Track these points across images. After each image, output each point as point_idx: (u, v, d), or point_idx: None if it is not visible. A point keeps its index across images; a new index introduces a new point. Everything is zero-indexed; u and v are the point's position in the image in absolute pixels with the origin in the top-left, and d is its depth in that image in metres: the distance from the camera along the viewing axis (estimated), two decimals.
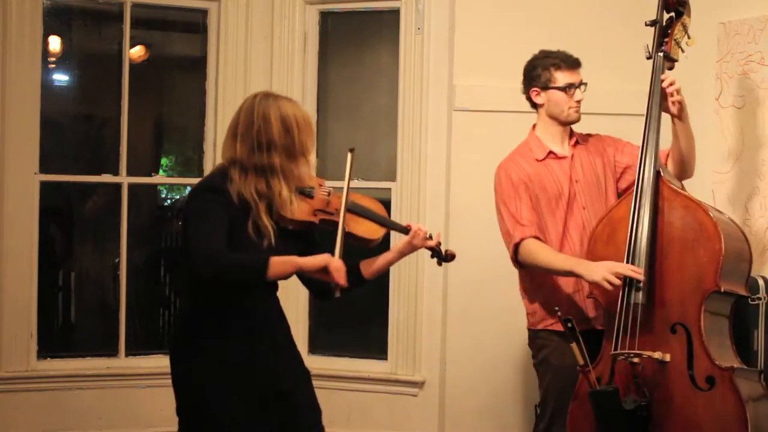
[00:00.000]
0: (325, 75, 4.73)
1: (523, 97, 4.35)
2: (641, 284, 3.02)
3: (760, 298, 3.38)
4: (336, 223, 2.74)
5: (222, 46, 4.65)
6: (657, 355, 2.98)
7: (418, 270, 4.43)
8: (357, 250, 2.91)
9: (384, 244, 3.04)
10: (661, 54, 3.25)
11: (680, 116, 3.20)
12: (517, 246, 3.29)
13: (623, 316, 3.04)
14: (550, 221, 3.34)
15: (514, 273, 4.33)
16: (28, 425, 4.42)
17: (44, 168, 4.51)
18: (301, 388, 2.85)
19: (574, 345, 3.05)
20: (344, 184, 2.81)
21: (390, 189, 4.53)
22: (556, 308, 3.17)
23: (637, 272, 3.02)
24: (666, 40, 3.28)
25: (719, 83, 3.87)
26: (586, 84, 3.36)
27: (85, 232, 5.20)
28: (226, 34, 4.65)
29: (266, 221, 2.67)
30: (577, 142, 3.42)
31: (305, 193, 2.78)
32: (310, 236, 2.86)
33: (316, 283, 2.90)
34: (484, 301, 4.41)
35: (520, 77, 4.38)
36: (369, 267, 2.93)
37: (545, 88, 3.36)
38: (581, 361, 3.06)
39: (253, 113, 2.72)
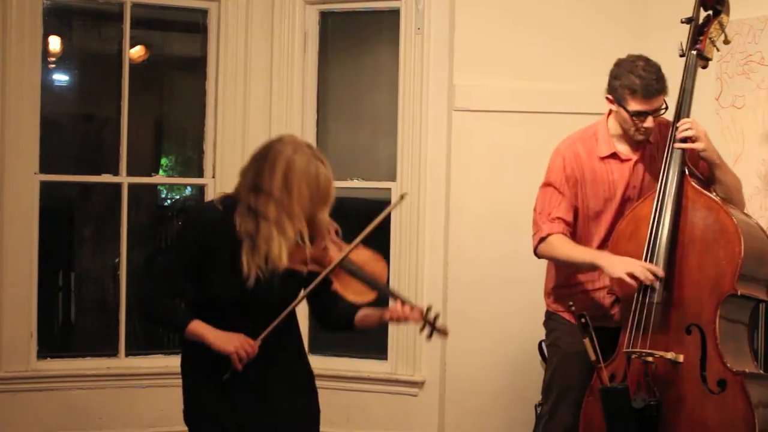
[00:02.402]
0: (325, 75, 4.73)
1: (523, 96, 4.39)
2: (657, 285, 2.99)
3: None
4: (323, 280, 2.67)
5: (222, 46, 4.65)
6: (670, 355, 2.96)
7: (418, 270, 4.43)
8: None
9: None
10: (694, 52, 3.15)
11: (707, 164, 3.09)
12: (542, 239, 3.25)
13: (639, 313, 3.02)
14: (593, 223, 3.28)
15: (513, 273, 4.34)
16: (28, 425, 4.42)
17: (44, 168, 4.51)
18: (299, 406, 2.81)
19: (587, 340, 3.04)
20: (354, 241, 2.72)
21: (390, 189, 4.53)
22: (570, 303, 3.15)
23: (651, 279, 2.97)
24: (701, 38, 3.17)
25: (719, 83, 3.87)
26: (666, 108, 3.16)
27: (85, 232, 5.21)
28: (226, 34, 4.64)
29: (247, 262, 2.61)
30: (650, 144, 3.25)
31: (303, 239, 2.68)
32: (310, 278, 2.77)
33: (322, 319, 2.93)
34: (484, 301, 4.41)
35: (520, 77, 4.41)
36: (362, 320, 2.85)
37: (617, 102, 3.17)
38: (593, 357, 3.05)
39: (266, 153, 2.65)
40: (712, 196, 3.04)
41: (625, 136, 3.26)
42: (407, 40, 4.46)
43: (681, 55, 3.17)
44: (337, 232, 2.74)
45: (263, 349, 2.68)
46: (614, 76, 3.20)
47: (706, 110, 3.86)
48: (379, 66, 4.85)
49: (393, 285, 4.49)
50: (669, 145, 3.11)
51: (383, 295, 2.78)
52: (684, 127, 3.07)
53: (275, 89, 4.62)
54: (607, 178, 3.26)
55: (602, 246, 3.26)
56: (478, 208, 4.41)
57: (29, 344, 4.47)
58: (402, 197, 2.89)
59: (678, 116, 3.12)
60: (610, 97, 3.21)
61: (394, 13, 4.53)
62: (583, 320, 3.05)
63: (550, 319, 3.47)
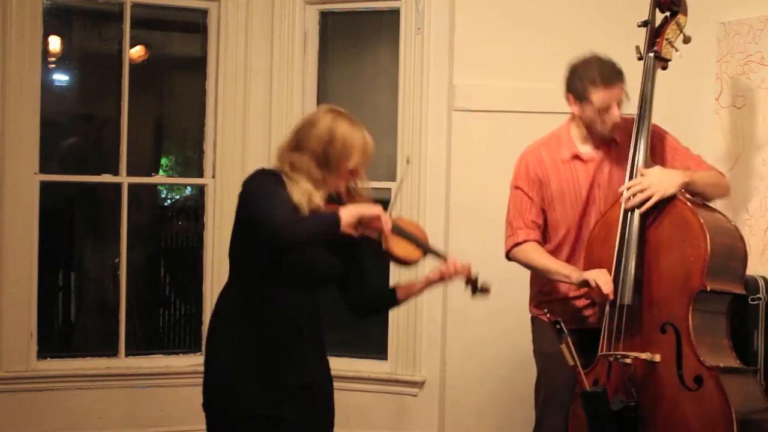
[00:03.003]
0: (325, 75, 4.73)
1: (523, 96, 4.39)
2: (628, 287, 3.02)
3: (759, 298, 3.37)
4: (374, 239, 2.77)
5: (222, 46, 4.65)
6: (645, 355, 2.98)
7: (418, 270, 4.42)
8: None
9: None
10: (651, 55, 3.20)
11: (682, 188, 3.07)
12: (516, 245, 3.32)
13: (613, 316, 3.06)
14: (561, 223, 3.31)
15: (513, 273, 4.33)
16: (28, 425, 4.42)
17: (44, 168, 4.51)
18: (323, 388, 2.91)
19: (563, 346, 3.05)
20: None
21: (390, 189, 4.52)
22: (545, 310, 3.22)
23: (607, 294, 3.02)
24: (657, 40, 3.22)
25: (719, 83, 3.87)
26: (627, 97, 3.20)
27: (85, 232, 5.21)
28: (226, 34, 4.65)
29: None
30: (614, 143, 3.27)
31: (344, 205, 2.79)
32: (353, 250, 2.89)
33: (354, 294, 2.98)
34: (484, 300, 4.40)
35: (520, 77, 4.41)
36: (403, 291, 3.01)
37: (580, 100, 3.20)
38: (571, 363, 3.06)
39: (309, 118, 2.81)
40: (678, 195, 3.05)
41: (588, 137, 3.29)
42: (407, 40, 4.47)
43: (639, 59, 3.20)
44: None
45: (309, 314, 2.81)
46: (571, 75, 3.25)
47: (706, 110, 3.86)
48: (379, 66, 4.85)
49: (392, 282, 4.49)
50: (634, 141, 3.14)
51: (432, 253, 2.91)
52: (631, 193, 3.07)
53: (275, 89, 4.62)
54: (572, 180, 3.29)
55: (573, 246, 3.31)
56: (477, 208, 4.41)
57: (29, 344, 4.47)
58: (408, 161, 2.90)
59: (640, 121, 3.14)
60: (570, 96, 3.24)
61: (394, 13, 4.53)
62: (558, 326, 3.05)
63: (533, 324, 3.50)
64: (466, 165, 4.43)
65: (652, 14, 3.24)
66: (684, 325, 2.95)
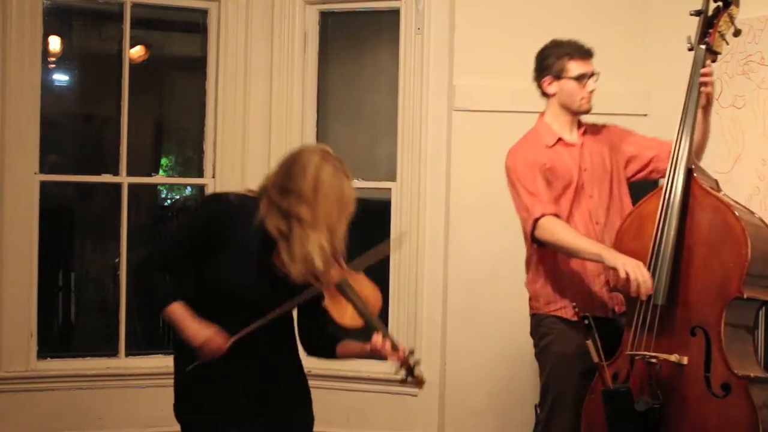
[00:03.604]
0: (325, 75, 4.73)
1: (523, 96, 4.38)
2: (662, 286, 2.96)
3: None
4: (311, 293, 2.64)
5: (222, 46, 4.65)
6: (674, 358, 2.92)
7: (418, 270, 4.44)
8: None
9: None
10: (703, 46, 3.10)
11: (706, 108, 3.14)
12: (536, 221, 3.21)
13: (642, 314, 2.99)
14: (563, 208, 3.29)
15: (513, 272, 4.33)
16: (28, 425, 4.42)
17: (44, 168, 4.51)
18: (283, 389, 2.79)
19: (589, 342, 3.01)
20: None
21: (390, 189, 4.53)
22: (574, 304, 3.12)
23: (640, 285, 2.94)
24: (710, 31, 3.09)
25: (719, 83, 3.87)
26: (598, 74, 3.32)
27: (85, 232, 5.21)
28: (226, 34, 4.64)
29: (286, 262, 2.57)
30: (585, 131, 3.39)
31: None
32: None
33: (305, 336, 2.87)
34: (484, 300, 4.41)
35: (520, 77, 4.38)
36: (344, 349, 2.83)
37: (558, 77, 3.32)
38: (596, 359, 3.02)
39: (297, 157, 2.64)
40: (720, 196, 3.00)
41: (564, 125, 3.36)
42: (407, 40, 4.47)
43: (690, 49, 3.12)
44: (342, 255, 2.68)
45: (263, 370, 2.69)
46: (543, 57, 3.38)
47: None
48: (379, 66, 4.85)
49: (393, 285, 4.50)
50: (677, 139, 3.08)
51: (369, 326, 2.72)
52: (706, 71, 3.08)
53: (275, 89, 4.62)
54: (562, 162, 3.31)
55: None
56: (477, 207, 4.41)
57: (29, 344, 4.47)
58: (400, 237, 2.81)
59: (685, 113, 3.09)
60: (547, 78, 3.35)
61: (394, 13, 4.53)
62: (586, 322, 3.02)
63: (539, 325, 3.41)
64: (466, 165, 4.43)
65: (706, 3, 3.11)
66: (715, 331, 2.90)
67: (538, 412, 3.63)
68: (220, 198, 2.75)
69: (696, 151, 3.19)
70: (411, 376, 2.70)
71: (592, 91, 3.31)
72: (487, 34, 4.40)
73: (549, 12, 4.38)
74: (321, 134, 4.68)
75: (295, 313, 2.83)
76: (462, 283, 4.43)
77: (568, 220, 3.28)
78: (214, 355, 2.59)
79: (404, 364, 2.70)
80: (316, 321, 2.79)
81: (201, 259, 2.64)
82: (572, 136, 3.37)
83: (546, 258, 3.33)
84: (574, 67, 3.29)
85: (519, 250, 4.33)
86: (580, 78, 3.29)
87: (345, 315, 2.68)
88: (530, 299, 3.46)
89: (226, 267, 2.63)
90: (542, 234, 3.21)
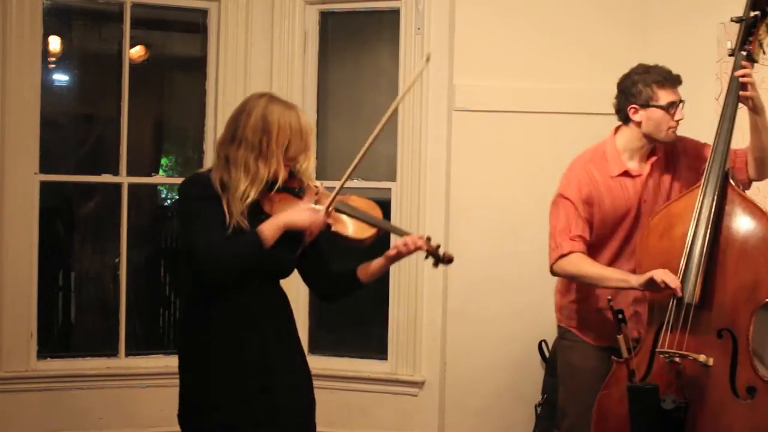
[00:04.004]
0: (325, 75, 4.73)
1: (523, 96, 4.38)
2: (697, 286, 2.94)
3: None
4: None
5: (222, 46, 4.65)
6: (702, 358, 2.90)
7: (418, 270, 4.43)
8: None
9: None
10: (744, 53, 3.05)
11: (754, 109, 3.07)
12: (562, 256, 3.18)
13: (673, 313, 2.97)
14: (607, 239, 3.25)
15: (513, 273, 4.35)
16: (28, 425, 4.42)
17: (44, 168, 4.51)
18: (290, 386, 2.80)
19: (620, 337, 3.00)
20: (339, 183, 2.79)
21: (390, 189, 4.53)
22: (609, 297, 3.08)
23: (678, 287, 2.92)
24: (751, 39, 3.07)
25: (719, 83, 3.87)
26: (684, 102, 3.18)
27: (85, 232, 5.20)
28: (226, 34, 4.65)
29: (227, 211, 2.65)
30: (657, 159, 3.25)
31: (294, 193, 2.76)
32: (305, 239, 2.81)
33: (320, 283, 2.92)
34: (484, 301, 4.41)
35: (520, 77, 4.41)
36: (364, 270, 2.90)
37: (645, 105, 3.15)
38: (626, 354, 3.01)
39: (242, 107, 2.73)
40: (754, 201, 3.01)
41: (636, 155, 3.24)
42: (407, 40, 4.47)
43: (730, 54, 3.10)
44: (315, 188, 2.79)
45: (272, 309, 2.76)
46: (631, 84, 3.18)
47: (707, 110, 3.86)
48: (379, 66, 4.85)
49: (393, 285, 4.50)
50: (715, 143, 3.06)
51: (383, 230, 2.82)
52: (742, 72, 3.02)
53: (275, 89, 4.61)
54: (622, 195, 3.23)
55: (615, 260, 3.24)
56: (478, 207, 4.41)
57: (29, 344, 4.47)
58: (428, 59, 3.09)
59: (723, 117, 3.07)
60: (634, 106, 3.17)
61: (394, 13, 4.53)
62: (620, 316, 3.00)
63: (562, 337, 3.41)
64: (466, 165, 4.43)
65: (747, 11, 3.09)
66: (743, 334, 2.90)
67: (540, 407, 3.62)
68: (196, 176, 2.80)
69: (760, 158, 3.15)
70: (440, 259, 2.85)
71: (679, 120, 3.17)
72: (487, 34, 4.41)
73: (549, 12, 4.38)
74: (321, 134, 4.68)
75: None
76: (462, 283, 4.43)
77: (619, 249, 3.24)
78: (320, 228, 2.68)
79: (431, 250, 2.83)
80: (320, 261, 2.86)
81: None
82: (641, 166, 3.26)
83: (580, 281, 3.29)
84: (664, 96, 3.14)
85: (519, 249, 4.35)
86: (670, 107, 3.14)
87: (356, 230, 2.77)
88: (556, 309, 3.44)
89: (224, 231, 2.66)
90: (565, 267, 3.18)
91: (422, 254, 2.88)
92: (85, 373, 4.54)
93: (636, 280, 3.01)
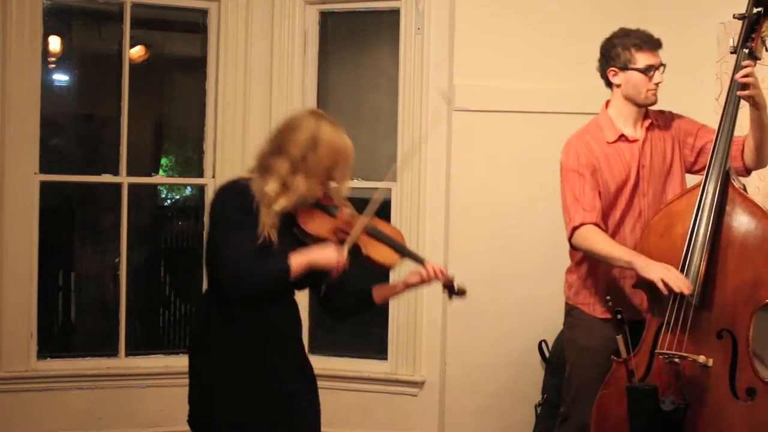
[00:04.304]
0: (325, 75, 4.73)
1: (523, 96, 4.39)
2: (697, 286, 2.93)
3: None
4: (354, 244, 2.75)
5: (222, 46, 4.65)
6: (701, 359, 2.90)
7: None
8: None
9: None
10: (746, 50, 3.05)
11: (755, 105, 3.07)
12: (575, 229, 3.21)
13: (672, 314, 2.97)
14: (610, 209, 3.27)
15: (513, 272, 4.35)
16: (28, 425, 4.42)
17: (44, 168, 4.51)
18: (305, 393, 2.84)
19: (620, 337, 3.01)
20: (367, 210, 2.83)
21: (390, 189, 4.53)
22: (608, 297, 3.13)
23: (681, 289, 2.92)
24: (753, 36, 3.07)
25: (719, 83, 3.87)
26: (665, 65, 3.24)
27: (85, 232, 5.21)
28: (226, 34, 4.65)
29: (262, 222, 2.67)
30: (651, 124, 3.31)
31: (327, 211, 2.80)
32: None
33: (333, 300, 2.94)
34: (484, 301, 4.40)
35: (520, 77, 4.40)
36: (380, 292, 2.95)
37: (624, 68, 3.22)
38: (625, 354, 3.02)
39: (291, 123, 2.77)
40: (755, 201, 3.00)
41: (629, 118, 3.29)
42: (407, 40, 4.47)
43: (732, 52, 3.10)
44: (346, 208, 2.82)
45: (288, 323, 2.79)
46: (610, 47, 3.27)
47: (706, 110, 3.86)
48: (379, 66, 4.85)
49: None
50: (715, 141, 3.06)
51: (409, 258, 2.89)
52: (743, 72, 3.02)
53: (275, 89, 4.63)
54: (621, 160, 3.26)
55: (617, 227, 3.26)
56: (478, 207, 4.41)
57: (29, 344, 4.47)
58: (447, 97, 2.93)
59: (724, 115, 3.07)
60: (613, 69, 3.25)
61: (394, 13, 4.53)
62: (619, 316, 3.01)
63: (569, 314, 3.43)
64: (466, 165, 4.43)
65: (750, 8, 3.09)
66: (743, 335, 2.89)
67: (540, 407, 3.62)
68: (229, 182, 2.79)
69: (759, 148, 3.16)
70: (455, 292, 2.94)
71: (658, 83, 3.23)
72: (487, 34, 4.40)
73: (549, 12, 4.38)
74: None
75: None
76: (462, 282, 4.42)
77: (621, 217, 3.27)
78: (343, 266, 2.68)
79: (447, 284, 2.92)
80: (344, 280, 2.85)
81: None
82: (636, 131, 3.30)
83: (592, 257, 3.30)
84: (642, 58, 3.20)
85: (519, 249, 4.35)
86: (648, 69, 3.20)
87: (385, 255, 2.82)
88: (565, 286, 3.46)
89: (255, 242, 2.67)
90: (579, 241, 3.22)
91: (438, 283, 2.93)
92: (85, 373, 4.54)
93: (640, 268, 3.01)
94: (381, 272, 2.88)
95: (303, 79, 4.64)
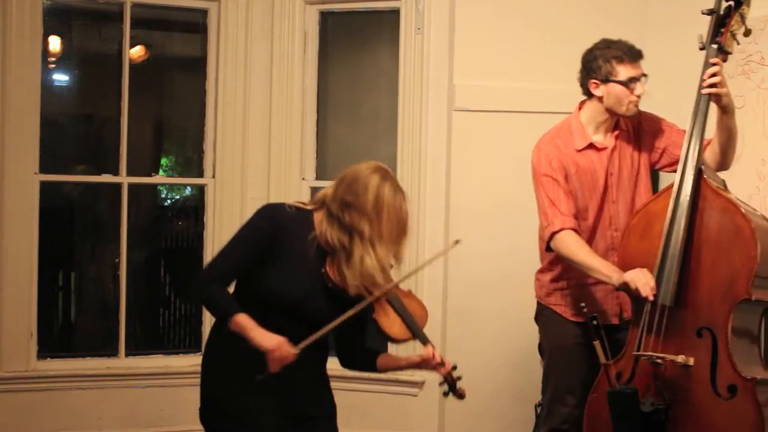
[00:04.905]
0: (325, 75, 4.73)
1: (523, 96, 4.39)
2: (671, 287, 2.96)
3: None
4: (368, 303, 2.70)
5: (222, 46, 4.65)
6: (680, 359, 2.91)
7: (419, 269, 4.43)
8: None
9: None
10: (714, 46, 3.06)
11: (724, 108, 3.09)
12: (554, 233, 3.22)
13: (650, 316, 2.98)
14: (581, 214, 3.29)
15: (513, 272, 4.34)
16: (28, 425, 4.42)
17: (44, 168, 4.51)
18: (321, 421, 2.84)
19: (597, 343, 3.03)
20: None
21: None
22: (582, 304, 3.15)
23: (650, 291, 2.95)
24: (722, 30, 3.08)
25: None
26: (647, 76, 3.23)
27: (85, 232, 5.21)
28: (226, 34, 4.64)
29: (339, 273, 2.66)
30: (621, 130, 3.32)
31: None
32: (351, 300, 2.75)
33: (347, 353, 2.92)
34: (484, 300, 4.41)
35: (520, 77, 4.40)
36: (385, 362, 2.89)
37: (605, 80, 3.22)
38: (603, 360, 3.03)
39: (357, 174, 2.70)
40: (729, 197, 3.00)
41: (600, 126, 3.30)
42: (407, 40, 4.46)
43: (701, 48, 3.10)
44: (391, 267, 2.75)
45: (298, 383, 2.72)
46: (592, 59, 3.26)
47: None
48: (379, 66, 4.85)
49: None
50: (687, 139, 3.07)
51: (417, 338, 2.79)
52: (710, 72, 3.03)
53: (275, 89, 4.62)
54: (589, 168, 3.29)
55: (590, 235, 3.28)
56: (478, 207, 4.41)
57: (29, 344, 4.47)
58: (456, 242, 2.94)
59: (696, 113, 3.07)
60: (595, 81, 3.24)
61: (394, 13, 4.53)
62: (594, 322, 3.03)
63: (541, 314, 3.47)
64: (466, 165, 4.43)
65: (718, 3, 3.11)
66: (722, 332, 2.89)
67: (540, 407, 3.63)
68: (275, 207, 2.77)
69: (722, 153, 3.19)
70: (454, 391, 2.81)
71: (640, 95, 3.22)
72: (487, 34, 4.40)
73: (549, 12, 4.38)
74: (321, 134, 4.68)
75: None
76: (462, 282, 4.43)
77: (594, 224, 3.29)
78: (283, 362, 2.60)
79: (449, 378, 2.79)
80: (360, 336, 2.84)
81: (259, 267, 2.67)
82: (605, 138, 3.32)
83: (560, 258, 3.33)
84: (623, 71, 3.20)
85: (519, 249, 4.34)
86: (629, 82, 3.20)
87: (394, 327, 2.75)
88: (535, 284, 3.49)
89: (278, 276, 2.66)
90: (558, 246, 3.23)
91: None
92: (85, 373, 4.54)
93: (617, 279, 3.04)
94: (386, 341, 2.81)
95: (303, 79, 4.64)
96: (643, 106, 4.21)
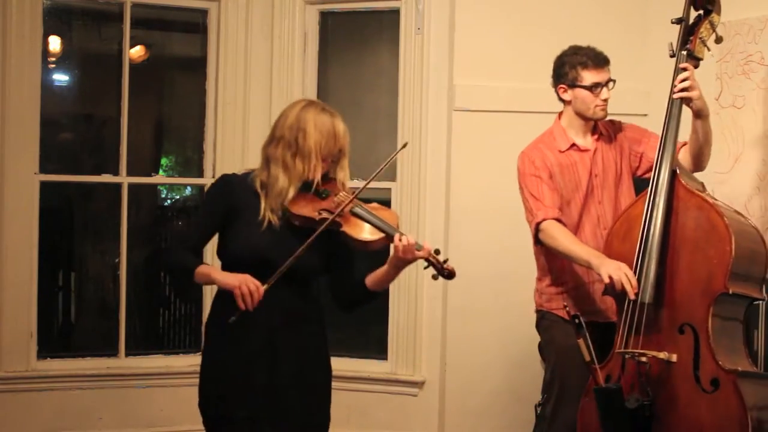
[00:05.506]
0: (325, 75, 4.73)
1: (523, 96, 4.39)
2: (649, 285, 3.01)
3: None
4: (334, 223, 2.74)
5: (222, 46, 4.65)
6: (662, 355, 2.96)
7: (418, 270, 4.41)
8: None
9: None
10: (684, 53, 3.18)
11: (697, 112, 3.17)
12: (538, 225, 3.30)
13: (630, 314, 3.04)
14: (565, 212, 3.35)
15: (513, 272, 4.34)
16: (28, 425, 4.42)
17: (44, 168, 4.51)
18: (302, 389, 2.83)
19: (581, 341, 3.06)
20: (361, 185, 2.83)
21: (390, 189, 4.53)
22: (565, 304, 3.25)
23: (632, 289, 3.00)
24: (691, 38, 3.18)
25: (719, 83, 3.87)
26: (614, 81, 3.36)
27: (85, 232, 5.21)
28: (226, 34, 4.65)
29: (263, 208, 2.77)
30: (600, 134, 3.44)
31: (318, 194, 2.81)
32: (337, 244, 2.83)
33: (342, 291, 2.94)
34: (484, 300, 4.41)
35: (520, 77, 4.41)
36: (371, 278, 2.90)
37: (572, 86, 3.36)
38: (587, 358, 3.06)
39: (282, 111, 2.86)
40: (704, 195, 3.06)
41: (580, 129, 3.41)
42: (407, 40, 4.47)
43: (671, 56, 3.21)
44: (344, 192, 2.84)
45: (287, 313, 2.78)
46: (560, 65, 3.39)
47: None
48: (379, 66, 4.85)
49: (393, 285, 4.48)
50: (661, 142, 3.14)
51: (388, 235, 2.79)
52: (682, 76, 3.13)
53: (275, 89, 4.63)
54: (572, 169, 3.38)
55: (576, 235, 3.33)
56: (478, 207, 4.41)
57: (29, 344, 4.47)
58: (404, 145, 3.17)
59: (668, 117, 3.14)
60: (563, 86, 3.38)
61: (394, 13, 4.53)
62: (577, 321, 3.08)
63: (542, 318, 3.51)
64: (466, 165, 4.43)
65: (687, 12, 3.21)
66: (703, 327, 2.93)
67: (542, 407, 3.64)
68: (224, 175, 2.93)
69: (696, 156, 3.28)
70: (440, 271, 2.79)
71: (606, 99, 3.34)
72: (487, 34, 4.41)
73: (549, 12, 4.38)
74: None
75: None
76: (462, 282, 4.39)
77: (579, 224, 3.37)
78: (253, 298, 2.67)
79: (432, 260, 2.79)
80: (349, 272, 2.91)
81: (223, 232, 2.81)
82: (586, 141, 3.43)
83: (552, 259, 3.41)
84: (588, 77, 3.33)
85: (519, 249, 4.34)
86: (594, 87, 3.32)
87: (363, 232, 2.78)
88: (535, 294, 3.55)
89: (243, 233, 2.77)
90: (543, 238, 3.31)
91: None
92: (85, 373, 4.54)
93: (597, 268, 3.10)
94: (366, 251, 2.82)
95: (303, 79, 4.64)
96: (644, 104, 4.24)
